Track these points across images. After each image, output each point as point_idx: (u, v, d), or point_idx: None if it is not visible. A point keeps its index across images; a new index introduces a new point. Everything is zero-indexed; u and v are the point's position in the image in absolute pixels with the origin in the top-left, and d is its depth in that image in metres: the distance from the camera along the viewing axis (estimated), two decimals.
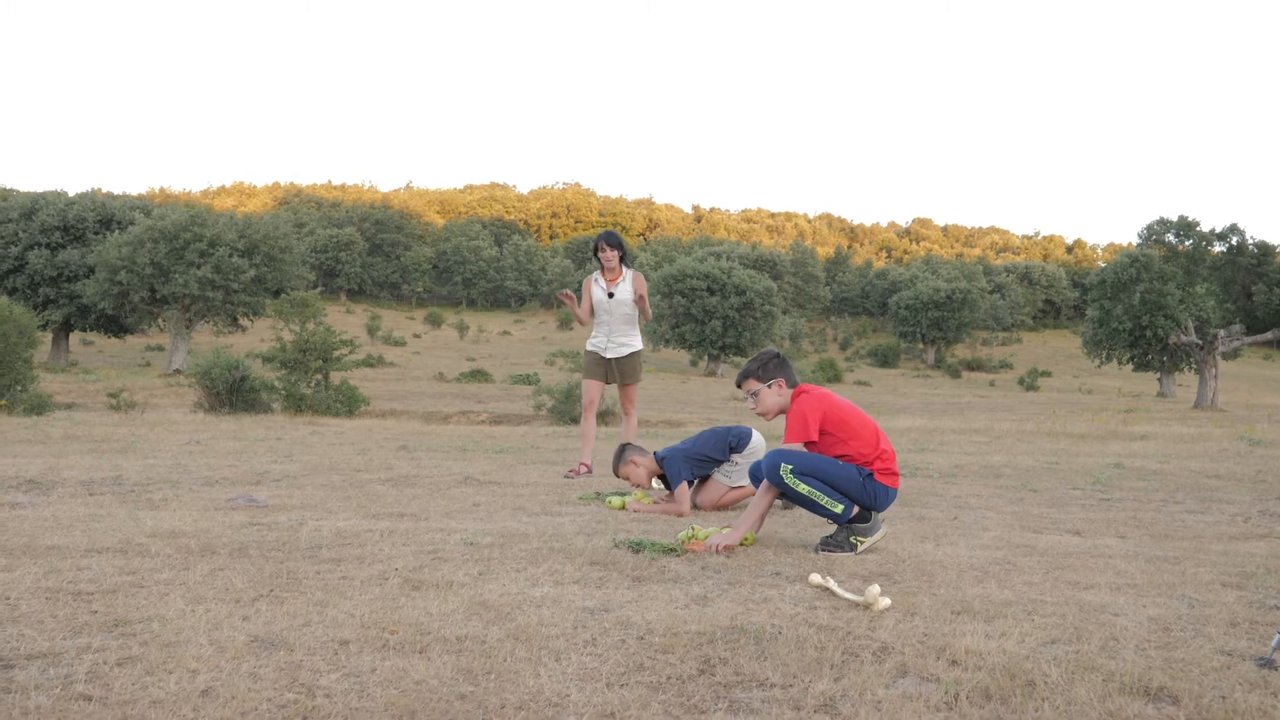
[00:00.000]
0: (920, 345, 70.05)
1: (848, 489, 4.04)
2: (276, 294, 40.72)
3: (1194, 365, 38.13)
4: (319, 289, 41.08)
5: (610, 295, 7.12)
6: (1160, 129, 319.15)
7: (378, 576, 3.23)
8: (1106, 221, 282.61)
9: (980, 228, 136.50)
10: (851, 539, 4.04)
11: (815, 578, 3.32)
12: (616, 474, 5.58)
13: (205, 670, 2.22)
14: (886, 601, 2.99)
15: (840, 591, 3.15)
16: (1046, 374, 59.57)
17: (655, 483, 5.57)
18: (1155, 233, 37.49)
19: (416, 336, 63.70)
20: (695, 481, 5.52)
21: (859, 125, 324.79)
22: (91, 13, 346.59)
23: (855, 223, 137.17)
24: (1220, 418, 26.26)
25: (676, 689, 2.18)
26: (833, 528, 4.37)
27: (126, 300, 36.77)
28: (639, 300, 7.10)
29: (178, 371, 36.08)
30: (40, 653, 2.34)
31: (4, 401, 16.28)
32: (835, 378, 47.64)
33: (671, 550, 3.81)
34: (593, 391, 7.24)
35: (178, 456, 8.32)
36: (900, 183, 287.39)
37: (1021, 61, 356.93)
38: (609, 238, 7.12)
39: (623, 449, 5.56)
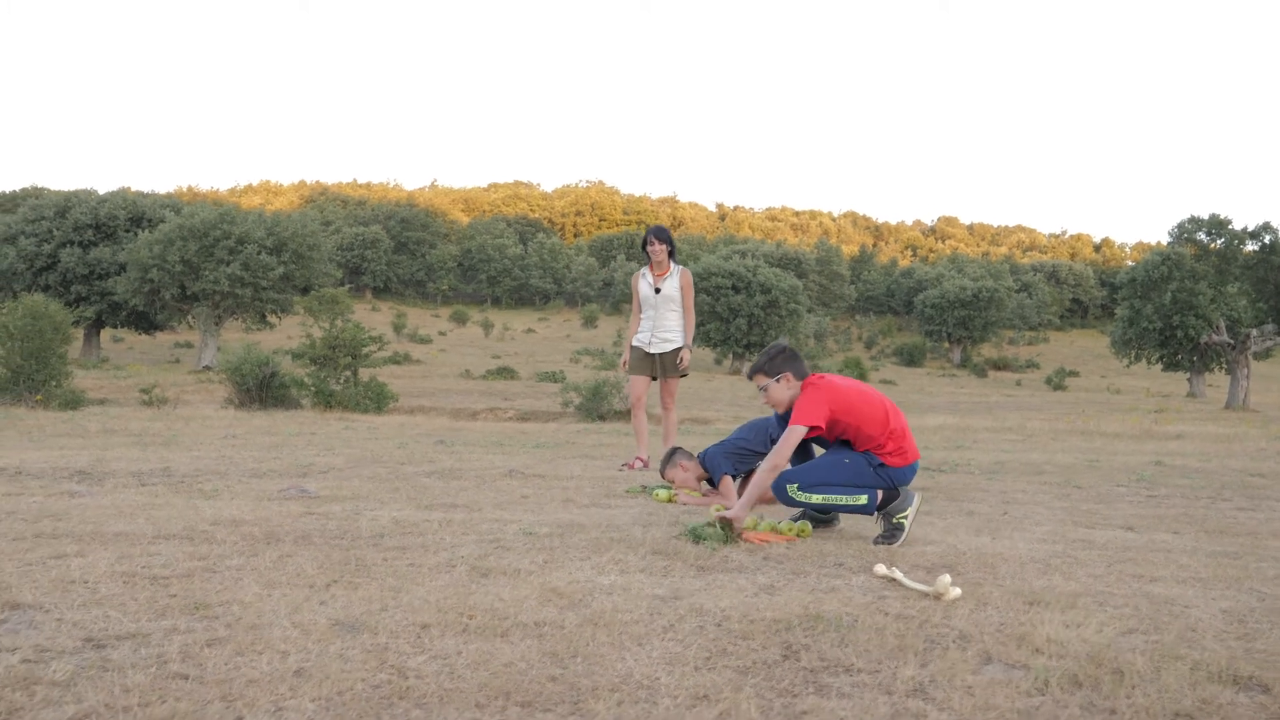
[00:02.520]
0: (946, 344, 69.59)
1: (861, 482, 4.04)
2: (304, 291, 41.08)
3: (1225, 365, 37.70)
4: (348, 287, 41.24)
5: (657, 290, 7.12)
6: (1188, 126, 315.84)
7: (444, 564, 3.25)
8: (1135, 220, 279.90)
9: (1006, 226, 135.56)
10: (895, 521, 3.98)
11: (880, 569, 3.31)
12: (663, 476, 5.61)
13: (294, 652, 2.24)
14: (957, 591, 2.98)
15: (908, 582, 3.14)
16: (1074, 374, 59.05)
17: (704, 485, 5.58)
18: (1187, 231, 37.01)
19: (442, 334, 63.97)
20: (740, 476, 5.53)
21: (884, 123, 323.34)
22: (119, 12, 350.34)
23: (880, 221, 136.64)
24: (1253, 418, 25.95)
25: (764, 673, 2.18)
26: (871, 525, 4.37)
27: (157, 297, 37.14)
28: (684, 296, 7.11)
29: (207, 368, 36.42)
30: (128, 633, 2.37)
31: (40, 397, 16.49)
32: (861, 377, 47.44)
33: (731, 541, 3.81)
34: (639, 387, 7.24)
35: (220, 449, 8.40)
36: (925, 181, 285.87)
37: (1048, 58, 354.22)
38: (658, 233, 7.13)
39: (672, 453, 5.60)
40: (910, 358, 64.16)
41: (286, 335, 48.67)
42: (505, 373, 41.36)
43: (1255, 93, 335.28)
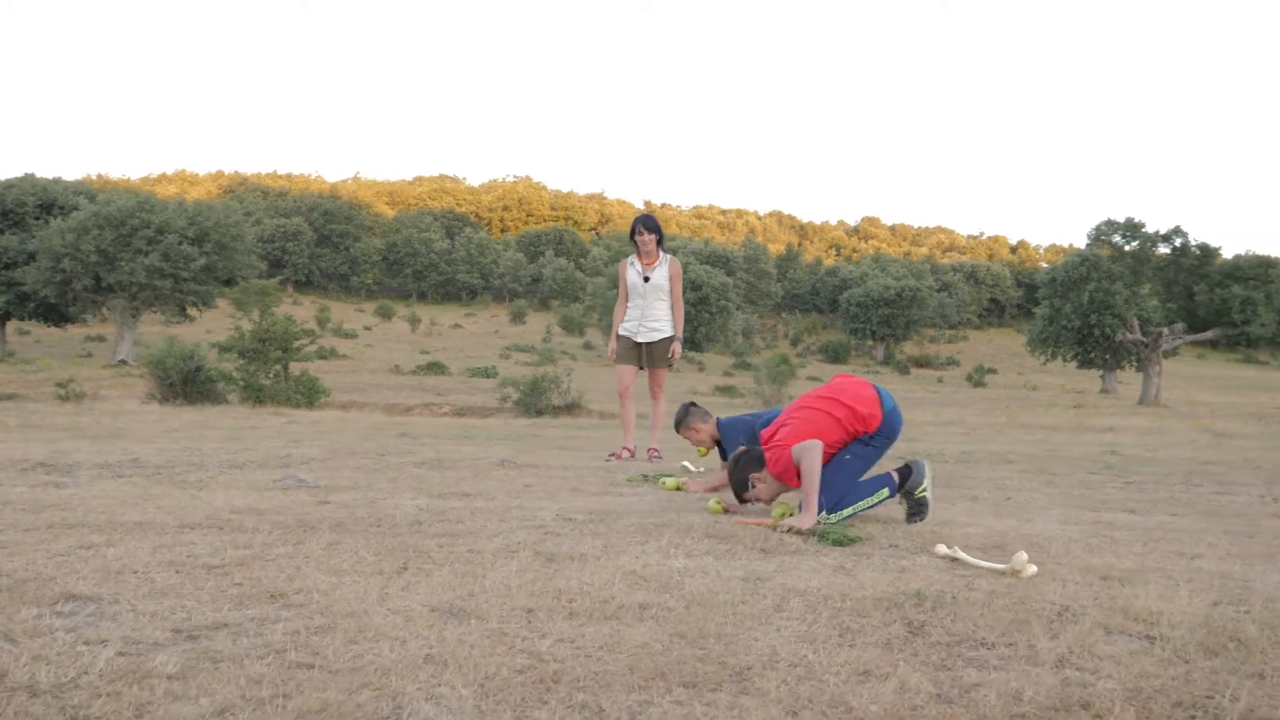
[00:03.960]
0: (870, 342, 70.86)
1: (868, 463, 4.04)
2: (227, 283, 39.97)
3: (1136, 363, 39.15)
4: (279, 279, 40.22)
5: (646, 279, 7.04)
6: (1100, 132, 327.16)
7: (504, 550, 3.13)
8: (1048, 223, 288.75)
9: (927, 227, 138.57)
10: (916, 496, 3.97)
11: (941, 548, 3.30)
12: (678, 431, 5.39)
13: (411, 639, 2.12)
14: (1033, 568, 2.98)
15: (975, 561, 3.13)
16: (992, 371, 60.68)
17: (710, 478, 5.47)
18: (1103, 234, 38.32)
19: (367, 329, 62.78)
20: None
21: (808, 124, 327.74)
22: None
23: (805, 220, 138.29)
24: (1167, 413, 26.96)
25: (907, 649, 2.13)
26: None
27: (69, 288, 35.67)
28: (673, 286, 7.05)
29: (123, 362, 35.13)
30: (215, 624, 2.21)
31: None
32: (788, 373, 47.99)
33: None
34: (627, 377, 7.16)
35: (174, 442, 8.06)
36: (849, 181, 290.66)
37: (962, 63, 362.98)
38: (646, 222, 7.06)
39: (688, 409, 5.35)
40: (835, 355, 65.15)
41: (206, 329, 47.21)
42: (436, 368, 40.83)
43: (1162, 103, 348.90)
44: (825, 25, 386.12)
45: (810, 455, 3.81)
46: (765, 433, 4.20)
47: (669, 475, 5.47)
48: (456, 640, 2.11)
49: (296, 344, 21.17)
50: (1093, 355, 41.10)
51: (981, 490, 5.77)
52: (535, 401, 21.20)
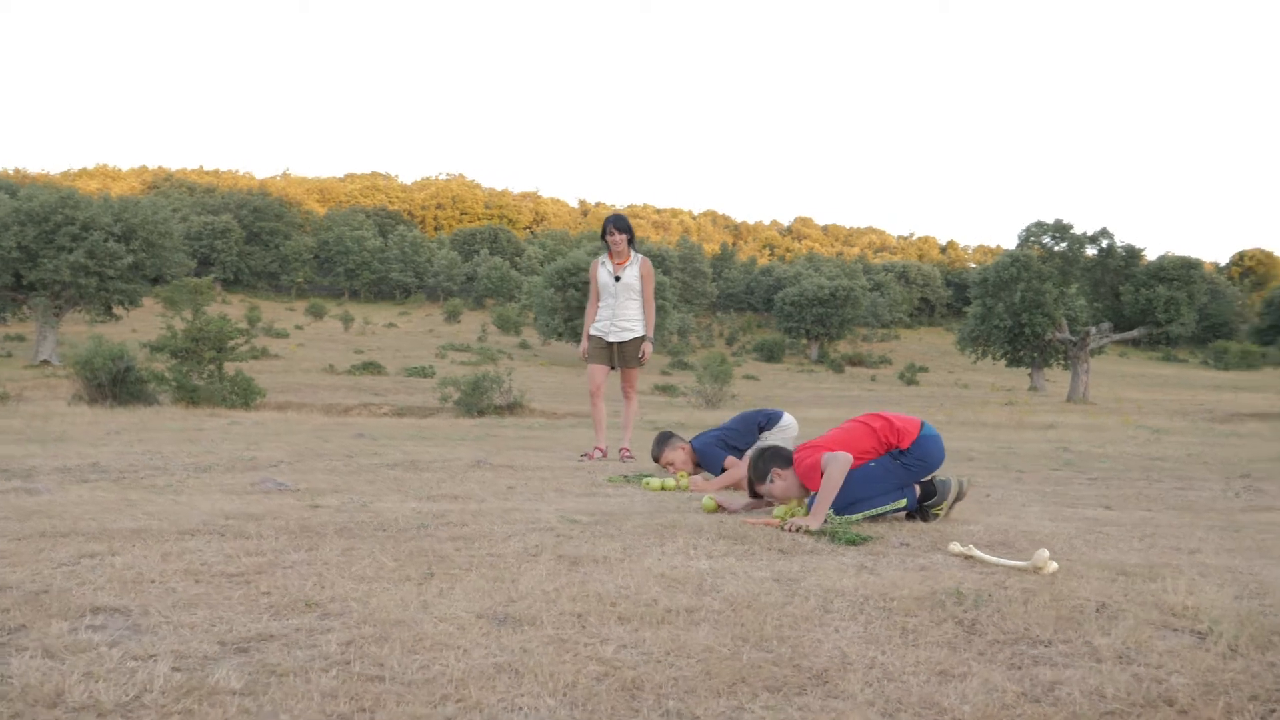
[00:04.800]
0: (804, 341, 71.68)
1: (894, 482, 4.00)
2: (155, 282, 38.80)
3: (1064, 361, 40.29)
4: (212, 278, 39.23)
5: (616, 279, 7.01)
6: (1026, 136, 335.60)
7: (524, 553, 3.08)
8: (977, 224, 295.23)
9: (859, 227, 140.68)
10: (932, 512, 4.06)
11: (956, 546, 3.33)
12: (658, 460, 5.53)
13: (473, 648, 2.06)
14: (1055, 565, 3.02)
15: (993, 558, 3.16)
16: (924, 369, 61.77)
17: (701, 473, 5.52)
18: (1033, 234, 39.30)
19: (299, 328, 61.51)
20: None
21: (742, 124, 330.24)
22: None
23: (739, 220, 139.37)
24: (1097, 410, 27.76)
25: (970, 648, 2.14)
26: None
27: None
28: (644, 286, 7.03)
29: (45, 362, 33.92)
30: (259, 635, 2.13)
31: None
32: (725, 374, 48.35)
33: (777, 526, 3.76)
34: (599, 376, 7.11)
35: (126, 445, 7.78)
36: (782, 182, 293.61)
37: (889, 66, 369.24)
38: (617, 221, 7.03)
39: (666, 436, 5.54)
40: (770, 354, 65.74)
41: (132, 329, 45.83)
42: (372, 368, 40.18)
43: (1089, 107, 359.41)
44: (753, 28, 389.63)
45: (836, 463, 3.82)
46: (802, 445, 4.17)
47: (651, 476, 5.46)
48: (520, 648, 2.05)
49: (231, 343, 20.67)
50: (1022, 354, 42.16)
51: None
52: (477, 401, 20.95)
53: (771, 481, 4.06)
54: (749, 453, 4.24)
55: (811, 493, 3.91)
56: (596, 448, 7.00)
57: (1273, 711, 1.80)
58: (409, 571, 2.77)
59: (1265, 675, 1.98)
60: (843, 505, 3.87)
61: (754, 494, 4.17)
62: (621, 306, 7.06)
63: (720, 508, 4.27)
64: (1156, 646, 2.17)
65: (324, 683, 1.83)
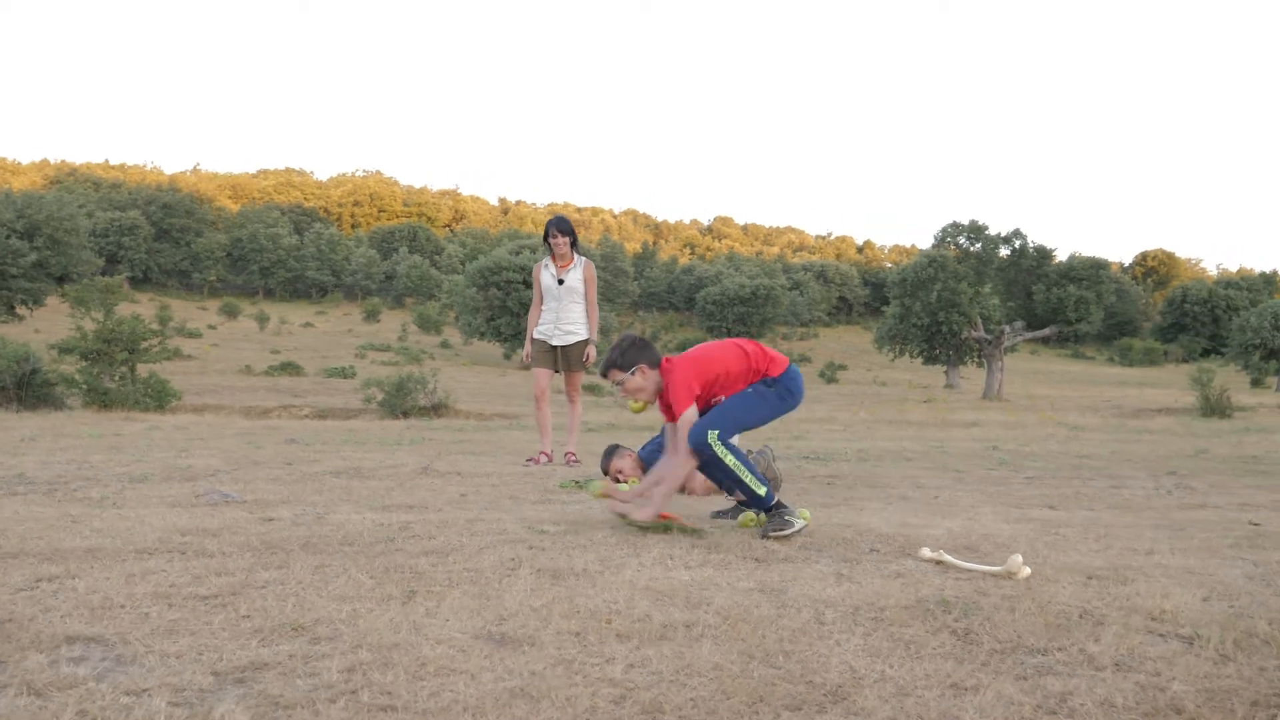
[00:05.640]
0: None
1: (770, 410, 3.99)
2: (60, 280, 37.37)
3: (979, 359, 41.45)
4: (124, 277, 37.87)
5: (560, 282, 6.96)
6: (939, 136, 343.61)
7: (501, 567, 3.02)
8: (892, 224, 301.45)
9: (778, 227, 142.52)
10: (786, 519, 3.73)
11: (926, 551, 3.38)
12: (606, 471, 5.51)
13: (479, 671, 2.01)
14: (1028, 570, 3.08)
15: (964, 564, 3.22)
16: (843, 367, 62.83)
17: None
18: (949, 235, 40.34)
19: (212, 328, 59.73)
20: None
21: (662, 123, 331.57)
22: None
23: (660, 219, 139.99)
24: (1012, 407, 28.59)
25: (973, 659, 2.16)
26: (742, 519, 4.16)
27: None
28: (588, 289, 6.99)
29: None
30: (252, 663, 2.04)
31: None
32: None
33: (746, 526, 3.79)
34: (543, 380, 7.05)
35: (49, 454, 7.44)
36: (701, 181, 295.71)
37: (804, 70, 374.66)
38: (559, 224, 6.97)
39: (613, 449, 5.54)
40: None
41: (34, 329, 43.95)
42: (290, 368, 39.28)
43: (996, 106, 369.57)
44: (668, 30, 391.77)
45: (678, 466, 3.85)
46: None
47: (596, 480, 5.45)
48: (528, 671, 2.01)
49: (145, 344, 19.98)
50: (938, 352, 43.23)
51: (903, 489, 5.96)
52: (401, 403, 20.59)
53: (633, 374, 3.97)
54: (619, 338, 4.13)
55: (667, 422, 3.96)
56: (542, 452, 6.94)
57: (1274, 716, 1.86)
58: (389, 590, 2.70)
59: (1259, 680, 2.05)
60: (728, 428, 3.84)
61: (604, 375, 4.10)
62: (565, 310, 7.01)
63: (607, 495, 4.33)
64: (1149, 653, 2.22)
65: (335, 715, 1.77)
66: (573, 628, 2.34)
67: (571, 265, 7.01)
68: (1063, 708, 1.87)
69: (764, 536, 3.70)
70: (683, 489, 5.29)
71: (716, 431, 3.81)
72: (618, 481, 5.53)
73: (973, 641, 2.30)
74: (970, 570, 3.18)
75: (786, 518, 3.73)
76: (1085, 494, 6.03)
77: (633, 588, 2.78)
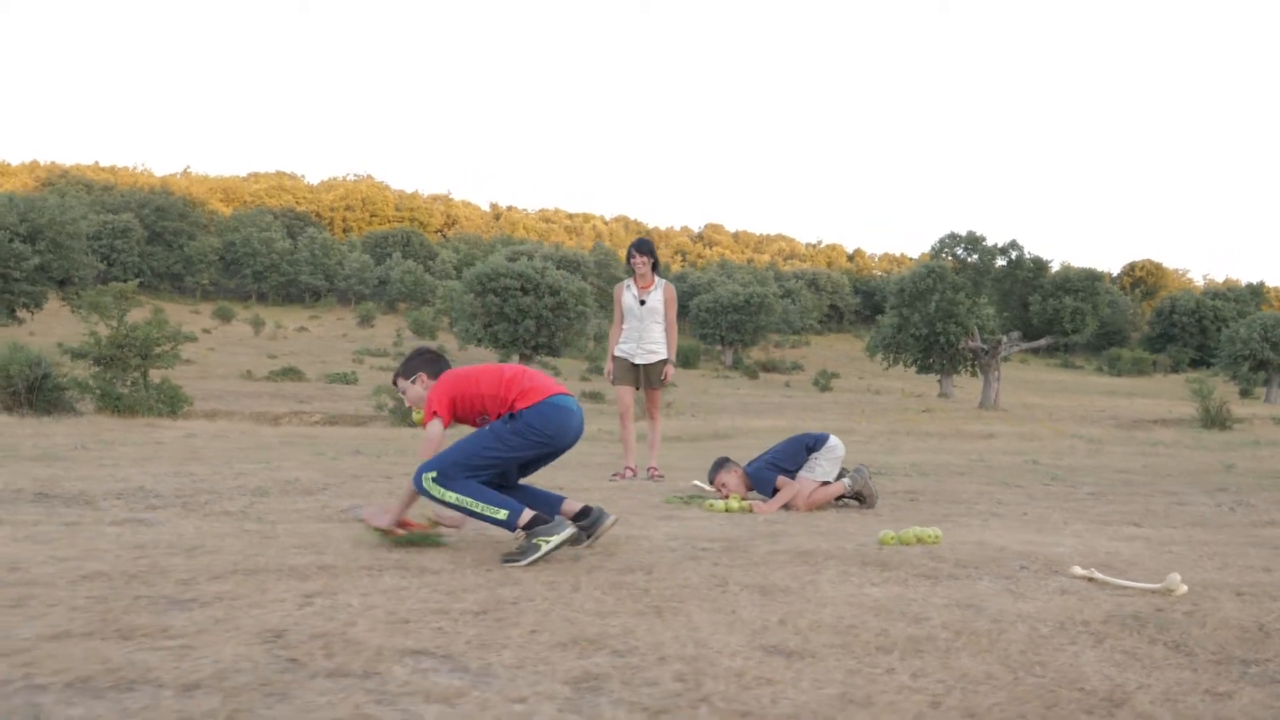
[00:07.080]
0: (719, 347, 72.74)
1: (506, 448, 3.85)
2: (62, 284, 37.32)
3: (974, 369, 41.98)
4: (135, 283, 37.91)
5: (642, 302, 7.25)
6: (931, 147, 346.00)
7: (712, 583, 3.29)
8: (882, 232, 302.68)
9: (768, 234, 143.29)
10: (534, 542, 3.62)
11: (1078, 569, 3.67)
12: (712, 483, 5.84)
13: (795, 680, 2.28)
14: (1184, 587, 3.38)
15: (1120, 581, 3.51)
16: (835, 375, 63.25)
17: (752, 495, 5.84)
18: (946, 246, 40.81)
19: (207, 332, 59.69)
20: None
21: (653, 129, 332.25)
22: None
23: (651, 226, 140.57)
24: (1013, 417, 29.05)
25: (1208, 669, 2.46)
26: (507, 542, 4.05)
27: None
28: (668, 310, 7.29)
29: None
30: (582, 674, 2.30)
31: None
32: None
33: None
34: (627, 398, 7.33)
35: (134, 465, 7.61)
36: (692, 188, 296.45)
37: (797, 76, 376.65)
38: (641, 245, 7.27)
39: (722, 461, 5.87)
40: (686, 360, 66.48)
41: (30, 331, 43.83)
42: (291, 373, 39.39)
43: (987, 115, 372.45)
44: (657, 35, 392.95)
45: (422, 443, 3.86)
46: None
47: (703, 497, 5.81)
48: (840, 679, 2.29)
49: (158, 350, 20.07)
50: (932, 361, 43.71)
51: (986, 505, 6.26)
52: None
53: (413, 383, 4.12)
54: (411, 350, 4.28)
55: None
56: (628, 467, 7.22)
57: None
58: (633, 606, 2.97)
59: None
60: (448, 468, 3.77)
61: (394, 383, 4.26)
62: (647, 330, 7.30)
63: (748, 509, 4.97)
64: None
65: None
66: (830, 641, 2.62)
67: (653, 286, 7.31)
68: None
69: (503, 562, 3.60)
70: (786, 506, 5.61)
71: (433, 474, 3.77)
72: (720, 494, 5.86)
73: (1188, 653, 2.60)
74: (1128, 588, 3.48)
75: (534, 540, 3.61)
76: (1155, 511, 6.34)
77: (845, 603, 3.06)
